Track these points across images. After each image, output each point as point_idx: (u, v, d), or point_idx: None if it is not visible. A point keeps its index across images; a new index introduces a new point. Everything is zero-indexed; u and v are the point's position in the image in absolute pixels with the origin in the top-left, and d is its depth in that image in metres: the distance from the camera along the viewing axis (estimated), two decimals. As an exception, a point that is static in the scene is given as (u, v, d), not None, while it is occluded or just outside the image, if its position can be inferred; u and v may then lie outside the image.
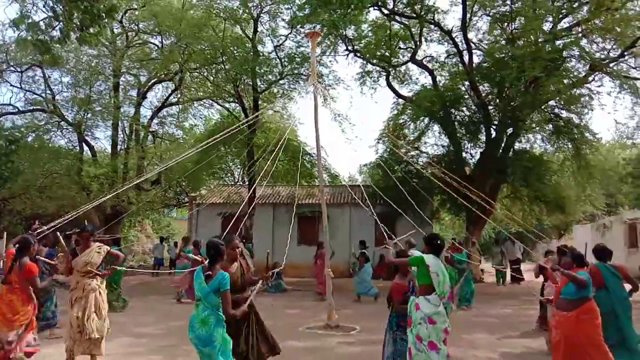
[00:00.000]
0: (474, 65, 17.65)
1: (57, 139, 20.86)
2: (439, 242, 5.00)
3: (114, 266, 6.35)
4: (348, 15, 16.10)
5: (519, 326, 9.07)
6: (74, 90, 19.98)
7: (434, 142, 20.29)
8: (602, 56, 16.03)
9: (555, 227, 26.90)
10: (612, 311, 5.33)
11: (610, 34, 15.24)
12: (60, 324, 7.65)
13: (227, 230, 7.57)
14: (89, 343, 5.58)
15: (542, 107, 17.11)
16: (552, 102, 17.27)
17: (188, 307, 4.55)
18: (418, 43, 18.47)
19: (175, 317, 9.51)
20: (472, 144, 19.00)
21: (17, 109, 20.55)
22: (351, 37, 17.96)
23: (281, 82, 18.65)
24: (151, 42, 20.73)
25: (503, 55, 16.02)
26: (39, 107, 20.14)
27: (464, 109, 18.73)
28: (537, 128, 17.64)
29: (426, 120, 18.94)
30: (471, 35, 18.03)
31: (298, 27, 17.23)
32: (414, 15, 17.70)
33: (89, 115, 19.67)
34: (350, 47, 18.21)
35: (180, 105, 22.06)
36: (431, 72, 19.02)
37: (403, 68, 20.00)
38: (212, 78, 19.69)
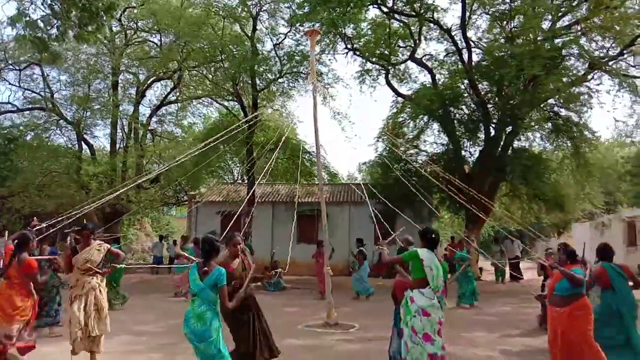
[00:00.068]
0: (473, 63, 17.65)
1: (56, 138, 20.92)
2: (433, 236, 5.03)
3: (113, 264, 6.36)
4: (347, 13, 16.10)
5: (518, 324, 9.08)
6: (73, 89, 19.97)
7: (433, 140, 20.36)
8: (601, 54, 16.03)
9: (554, 225, 26.94)
10: (618, 311, 5.34)
11: (609, 32, 15.25)
12: (62, 322, 7.65)
13: (228, 228, 7.57)
14: (88, 340, 5.59)
15: (541, 105, 17.12)
16: (551, 101, 17.28)
17: (187, 305, 4.60)
18: (417, 41, 18.47)
19: (174, 315, 9.48)
20: (471, 142, 19.01)
21: (15, 108, 20.56)
22: (350, 35, 17.95)
23: (280, 80, 18.65)
24: (150, 40, 20.72)
25: (502, 53, 16.01)
26: (37, 106, 20.13)
27: (463, 107, 18.74)
28: (536, 126, 17.65)
29: (425, 118, 18.93)
30: (470, 33, 18.07)
31: (297, 25, 17.23)
32: (414, 13, 17.69)
33: (88, 113, 19.67)
34: (349, 46, 18.20)
35: (179, 104, 22.06)
36: (430, 71, 19.02)
37: (402, 66, 20.01)
38: (211, 76, 19.69)
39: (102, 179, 17.98)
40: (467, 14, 17.41)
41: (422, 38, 18.79)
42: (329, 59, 18.72)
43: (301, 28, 17.04)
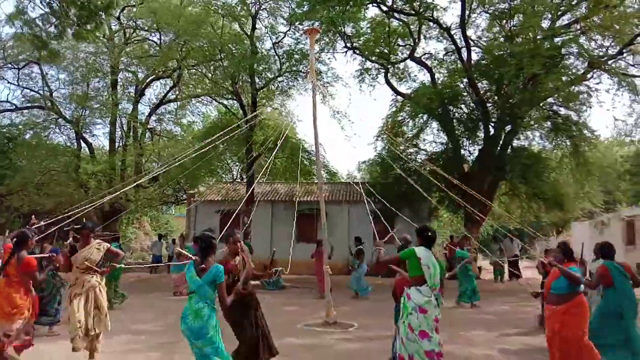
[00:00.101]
0: (472, 62, 17.63)
1: (54, 136, 20.85)
2: (430, 234, 5.04)
3: (112, 264, 6.35)
4: (347, 12, 16.09)
5: (517, 323, 9.09)
6: (72, 87, 19.91)
7: (433, 139, 20.34)
8: (601, 53, 16.03)
9: (553, 224, 26.95)
10: (617, 311, 5.34)
11: (608, 31, 15.25)
12: (62, 320, 7.64)
13: (227, 226, 7.57)
14: (87, 339, 5.60)
15: (541, 104, 17.10)
16: (550, 100, 17.26)
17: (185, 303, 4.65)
18: (417, 40, 18.46)
19: (173, 314, 9.47)
20: (470, 141, 18.99)
21: (14, 106, 20.50)
22: (350, 34, 17.94)
23: (280, 79, 18.65)
24: (149, 39, 20.66)
25: (502, 52, 16.01)
26: (36, 104, 20.08)
27: (463, 106, 18.72)
28: (536, 125, 17.63)
29: (424, 117, 18.92)
30: (470, 32, 18.08)
31: (297, 24, 17.22)
32: (413, 12, 17.67)
33: (87, 112, 19.60)
34: (348, 44, 18.19)
35: (178, 102, 22.01)
36: (430, 70, 19.01)
37: (402, 65, 20.01)
38: (210, 75, 19.66)
39: (101, 178, 17.93)
40: (467, 12, 17.40)
41: (422, 37, 18.78)
42: (329, 58, 18.78)
43: (300, 27, 17.04)
